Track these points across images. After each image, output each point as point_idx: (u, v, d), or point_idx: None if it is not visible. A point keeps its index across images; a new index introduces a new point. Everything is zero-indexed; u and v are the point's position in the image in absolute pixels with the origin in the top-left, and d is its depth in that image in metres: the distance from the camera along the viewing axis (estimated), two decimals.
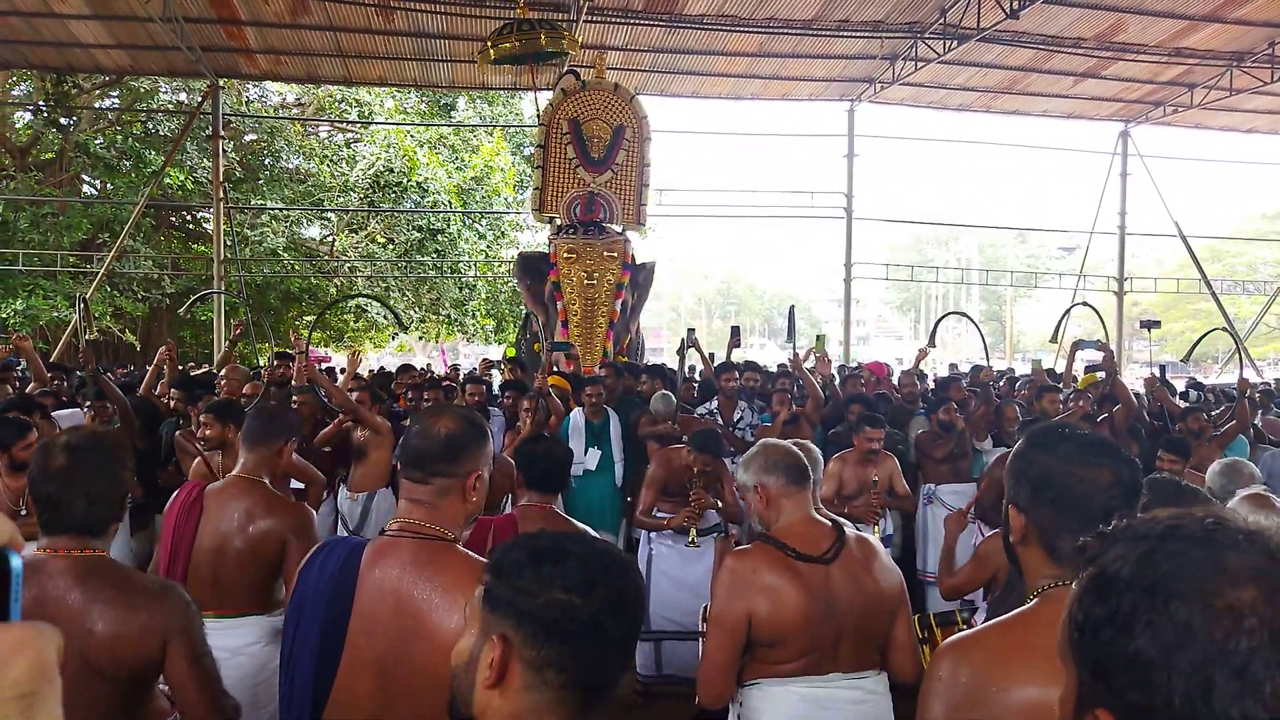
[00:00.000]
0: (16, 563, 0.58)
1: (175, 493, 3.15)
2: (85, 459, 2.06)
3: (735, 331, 8.37)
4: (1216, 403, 9.98)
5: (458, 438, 1.93)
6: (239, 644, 2.95)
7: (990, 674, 1.50)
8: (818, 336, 7.71)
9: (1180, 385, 12.18)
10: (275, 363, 7.89)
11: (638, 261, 10.80)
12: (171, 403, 6.10)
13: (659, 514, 5.32)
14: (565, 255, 10.17)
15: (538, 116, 11.49)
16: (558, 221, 10.93)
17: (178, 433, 5.50)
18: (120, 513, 2.16)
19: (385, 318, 20.90)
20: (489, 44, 10.88)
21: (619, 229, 10.77)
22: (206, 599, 2.74)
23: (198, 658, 2.07)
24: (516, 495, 3.23)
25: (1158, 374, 7.78)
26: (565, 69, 12.19)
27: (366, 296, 17.81)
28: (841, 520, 2.67)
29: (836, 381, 8.20)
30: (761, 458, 2.66)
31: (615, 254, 10.24)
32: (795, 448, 2.72)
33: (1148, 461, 4.99)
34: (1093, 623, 0.83)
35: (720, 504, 5.17)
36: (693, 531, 5.24)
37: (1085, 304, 8.26)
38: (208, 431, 4.90)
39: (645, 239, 23.20)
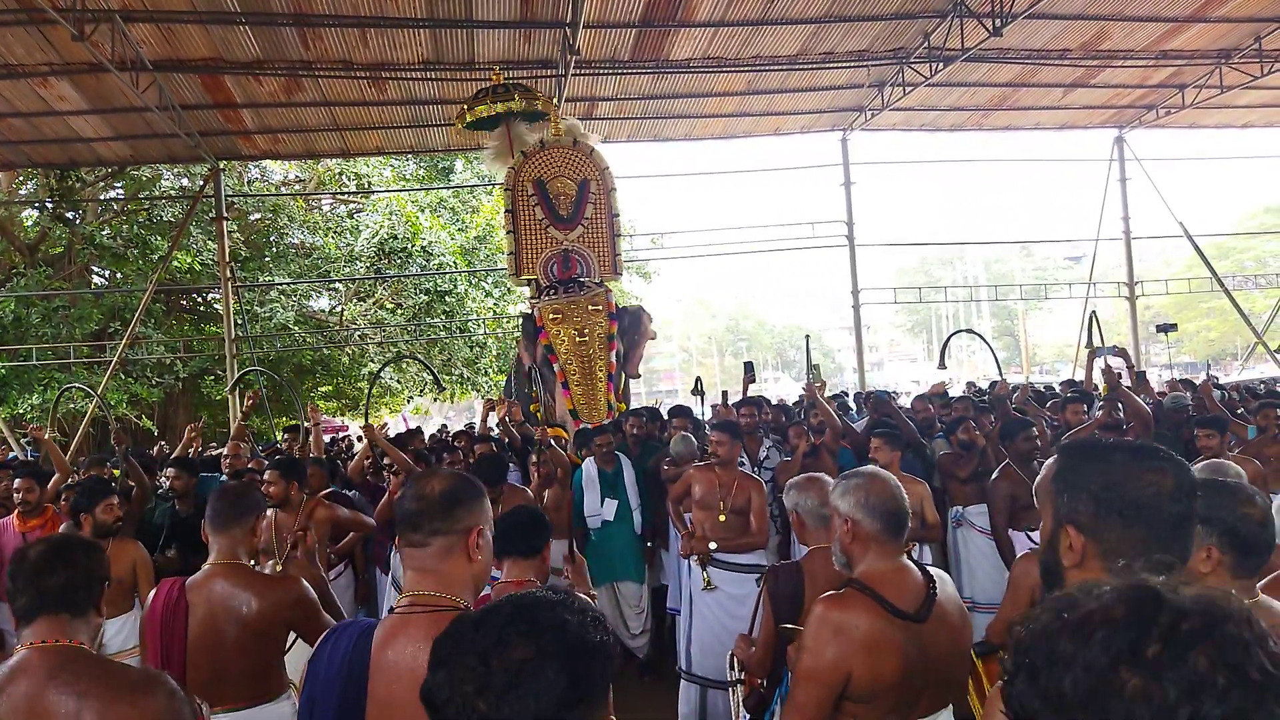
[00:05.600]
0: None
1: (153, 593, 3.00)
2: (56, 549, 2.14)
3: (749, 367, 8.34)
4: (1241, 400, 9.89)
5: (451, 493, 1.89)
6: None
7: None
8: (814, 367, 7.37)
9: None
10: (286, 438, 7.89)
11: (620, 307, 10.73)
12: (168, 482, 6.01)
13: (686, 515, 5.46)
14: (551, 317, 10.11)
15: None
16: (539, 283, 10.84)
17: None
18: (98, 597, 2.15)
19: (399, 382, 20.99)
20: (465, 108, 10.98)
21: (597, 282, 10.73)
22: (207, 695, 2.67)
23: None
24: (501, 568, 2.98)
25: (1178, 376, 7.65)
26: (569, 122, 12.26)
27: (411, 359, 17.80)
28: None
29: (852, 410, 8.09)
30: (863, 494, 2.46)
31: (600, 307, 10.21)
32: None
33: None
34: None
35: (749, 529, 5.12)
36: (706, 576, 5.17)
37: (1094, 314, 8.07)
38: (272, 489, 4.92)
39: (650, 283, 23.40)
